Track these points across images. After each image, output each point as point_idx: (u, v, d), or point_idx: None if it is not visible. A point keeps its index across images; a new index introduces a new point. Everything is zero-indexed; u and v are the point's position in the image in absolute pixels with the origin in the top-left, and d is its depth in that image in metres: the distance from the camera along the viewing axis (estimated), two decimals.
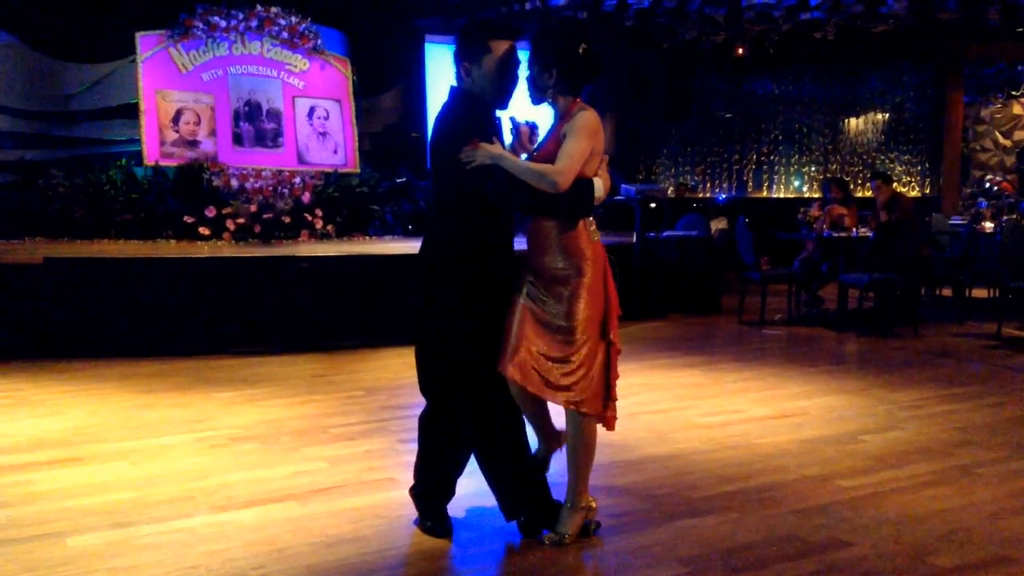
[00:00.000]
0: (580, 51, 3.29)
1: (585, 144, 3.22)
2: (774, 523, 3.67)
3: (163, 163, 9.93)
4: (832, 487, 4.12)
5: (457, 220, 3.35)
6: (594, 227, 3.36)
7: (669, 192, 13.46)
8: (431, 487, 3.54)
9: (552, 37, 3.37)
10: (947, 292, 10.44)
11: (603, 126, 3.34)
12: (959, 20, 12.46)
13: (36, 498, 3.92)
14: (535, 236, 3.33)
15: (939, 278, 10.20)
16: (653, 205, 10.53)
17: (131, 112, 10.17)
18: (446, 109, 3.39)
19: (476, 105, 3.35)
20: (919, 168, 15.15)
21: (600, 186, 3.31)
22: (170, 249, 8.64)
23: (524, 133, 3.49)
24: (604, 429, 3.43)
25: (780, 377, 6.60)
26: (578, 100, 3.34)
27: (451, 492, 3.57)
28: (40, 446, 4.71)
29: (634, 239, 9.85)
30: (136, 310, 7.20)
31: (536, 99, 3.39)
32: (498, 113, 3.42)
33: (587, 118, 3.26)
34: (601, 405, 3.35)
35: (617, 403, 3.44)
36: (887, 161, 15.23)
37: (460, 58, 3.38)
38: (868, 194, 10.91)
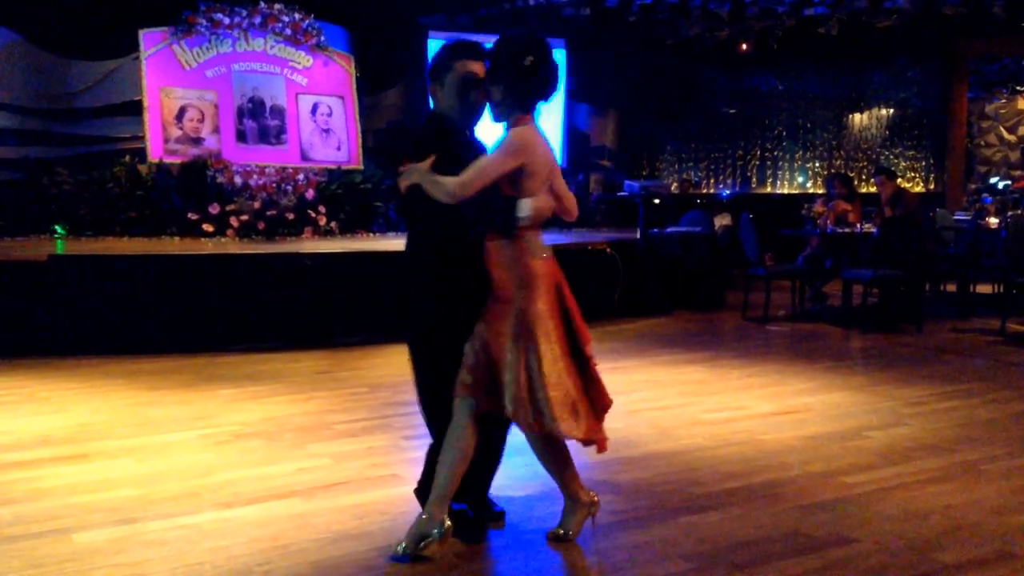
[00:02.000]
0: (526, 64, 3.14)
1: (498, 159, 3.13)
2: (778, 519, 3.67)
3: (167, 160, 9.94)
4: (836, 483, 4.12)
5: (421, 232, 3.38)
6: (537, 245, 3.22)
7: (672, 188, 13.45)
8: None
9: (497, 50, 3.22)
10: (951, 288, 10.42)
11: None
12: (964, 15, 12.44)
13: (42, 495, 3.93)
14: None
15: (943, 274, 10.18)
16: (657, 201, 10.54)
17: (135, 109, 10.17)
18: (416, 130, 3.45)
19: (439, 125, 3.36)
20: (923, 164, 15.12)
21: (528, 206, 3.16)
22: (174, 246, 8.66)
23: None
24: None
25: (784, 373, 6.59)
26: (527, 116, 3.21)
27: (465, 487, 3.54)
28: (45, 443, 4.73)
29: (638, 235, 9.84)
30: (141, 307, 7.21)
31: (493, 116, 3.29)
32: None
33: (513, 135, 3.17)
34: (530, 415, 3.16)
35: (584, 419, 3.27)
36: (891, 157, 15.21)
37: (428, 79, 3.40)
38: (872, 190, 10.89)
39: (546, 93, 3.23)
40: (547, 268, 3.25)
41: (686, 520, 3.66)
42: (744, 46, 14.52)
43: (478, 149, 3.38)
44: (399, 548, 3.20)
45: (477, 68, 3.29)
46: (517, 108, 3.21)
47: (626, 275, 9.11)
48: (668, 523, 3.63)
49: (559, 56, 12.78)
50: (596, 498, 3.48)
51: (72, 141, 10.41)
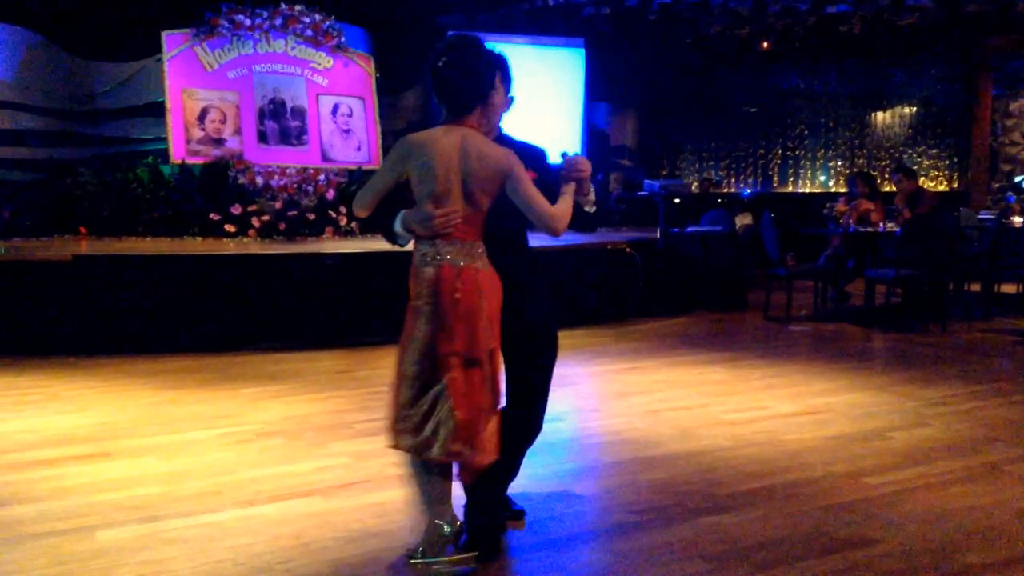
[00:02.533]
0: (439, 66, 3.05)
1: (379, 170, 3.17)
2: (799, 520, 3.65)
3: (189, 161, 10.01)
4: (859, 484, 4.09)
5: None
6: (427, 255, 3.11)
7: (693, 187, 13.41)
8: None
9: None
10: (975, 288, 10.33)
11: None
12: (987, 12, 12.32)
13: (66, 493, 3.97)
14: None
15: (967, 273, 10.09)
16: (677, 200, 10.52)
17: (157, 110, 10.24)
18: None
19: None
20: (947, 162, 14.99)
21: (398, 220, 3.13)
22: (196, 246, 8.71)
23: (569, 164, 3.22)
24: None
25: (806, 374, 6.56)
26: (454, 120, 3.10)
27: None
28: (70, 441, 4.77)
29: (658, 235, 9.82)
30: (163, 307, 7.27)
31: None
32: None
33: (398, 143, 3.12)
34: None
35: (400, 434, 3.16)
36: (914, 155, 15.08)
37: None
38: (895, 188, 10.82)
39: (448, 97, 3.08)
40: (437, 275, 3.07)
41: (707, 520, 3.65)
42: (765, 44, 14.46)
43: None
44: (418, 556, 3.11)
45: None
46: (443, 110, 3.13)
47: (646, 275, 9.09)
48: (689, 523, 3.62)
49: (576, 55, 12.89)
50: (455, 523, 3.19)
51: (95, 142, 10.51)
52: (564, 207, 3.13)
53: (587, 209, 3.32)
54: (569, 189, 3.17)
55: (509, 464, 3.42)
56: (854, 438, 4.85)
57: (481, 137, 3.10)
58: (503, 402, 3.23)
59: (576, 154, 3.25)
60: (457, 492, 3.25)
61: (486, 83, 3.12)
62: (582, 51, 13.03)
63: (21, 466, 4.34)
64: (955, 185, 14.85)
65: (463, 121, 3.09)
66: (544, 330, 3.41)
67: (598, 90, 13.57)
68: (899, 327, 8.49)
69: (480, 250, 3.11)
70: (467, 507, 3.34)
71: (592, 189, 3.33)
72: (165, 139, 10.08)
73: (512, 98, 3.39)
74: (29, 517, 3.67)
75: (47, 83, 10.24)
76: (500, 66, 3.26)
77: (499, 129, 3.40)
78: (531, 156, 3.32)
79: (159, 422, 5.17)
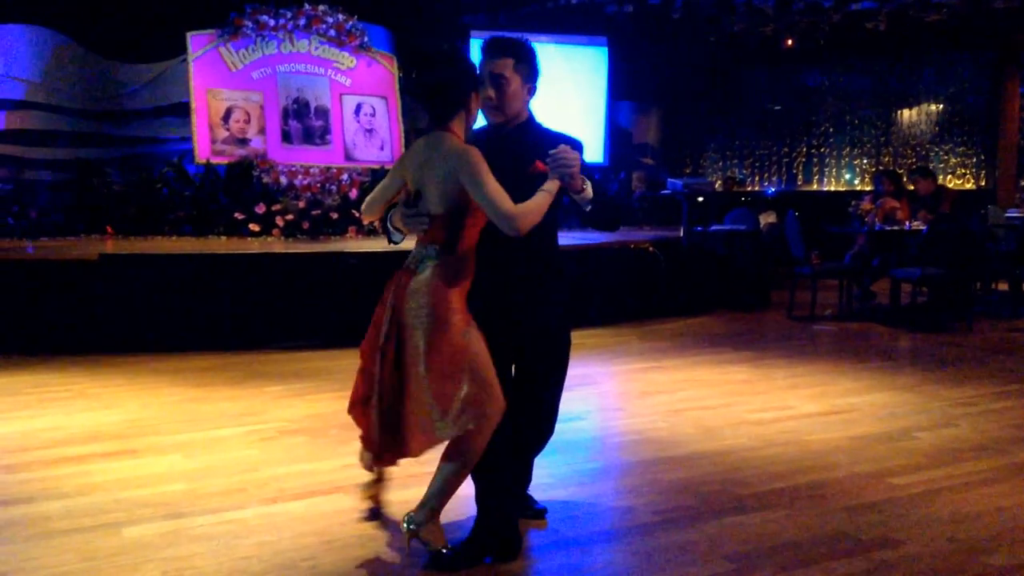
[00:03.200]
0: (408, 83, 3.28)
1: (385, 177, 3.34)
2: (824, 521, 3.63)
3: (214, 161, 10.08)
4: (884, 485, 4.06)
5: None
6: (410, 260, 3.20)
7: (717, 186, 13.34)
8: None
9: None
10: (1003, 286, 10.22)
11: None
12: (1015, 8, 12.18)
13: (92, 489, 4.01)
14: None
15: (994, 272, 9.98)
16: (700, 199, 10.47)
17: (183, 111, 10.33)
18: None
19: (486, 126, 3.43)
20: (974, 160, 14.84)
21: (388, 216, 3.35)
22: (221, 245, 8.77)
23: (552, 158, 3.13)
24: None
25: (831, 373, 6.51)
26: (436, 129, 3.18)
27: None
28: (96, 438, 4.82)
29: (681, 234, 9.79)
30: (188, 305, 7.33)
31: None
32: None
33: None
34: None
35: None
36: (941, 153, 14.94)
37: None
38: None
39: (426, 108, 3.20)
40: (397, 279, 3.21)
41: (730, 520, 3.63)
42: (790, 42, 14.37)
43: (517, 145, 3.29)
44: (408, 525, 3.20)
45: (491, 66, 3.25)
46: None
47: (669, 274, 9.06)
48: (712, 523, 3.60)
49: (599, 53, 12.86)
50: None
51: (121, 142, 10.61)
52: (533, 204, 3.01)
53: (584, 207, 3.21)
54: (551, 186, 3.07)
55: (519, 468, 3.41)
56: (879, 438, 4.81)
57: (449, 138, 3.12)
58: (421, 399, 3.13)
59: (562, 147, 3.10)
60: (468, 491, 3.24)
61: (461, 93, 3.15)
62: (605, 49, 13.01)
63: (48, 463, 4.39)
64: (982, 183, 14.69)
65: (445, 127, 3.15)
66: (552, 337, 3.34)
67: (621, 88, 13.54)
68: (925, 326, 8.41)
69: (431, 253, 3.12)
70: (478, 509, 3.32)
71: (588, 184, 3.17)
72: (190, 139, 10.17)
73: (535, 87, 3.34)
74: (56, 513, 3.71)
75: (74, 84, 10.36)
76: (479, 65, 3.26)
77: (531, 117, 3.35)
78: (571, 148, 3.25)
79: (184, 420, 5.21)
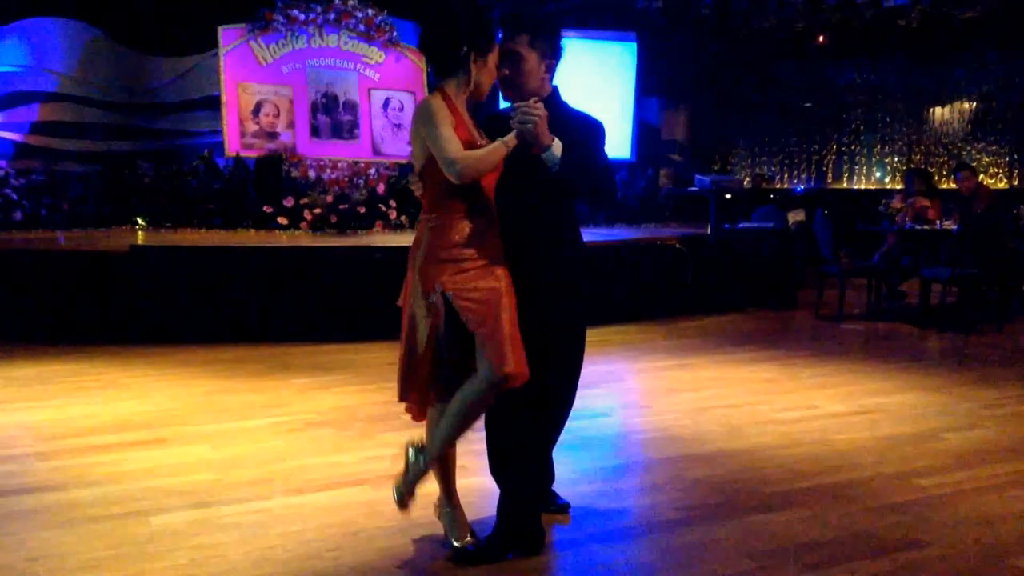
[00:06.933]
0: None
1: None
2: (849, 521, 3.61)
3: (243, 154, 10.15)
4: (910, 485, 4.03)
5: None
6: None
7: (745, 183, 13.26)
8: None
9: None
10: None
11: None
12: None
13: (122, 478, 4.06)
14: None
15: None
16: (728, 196, 10.41)
17: (213, 104, 10.42)
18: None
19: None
20: (1007, 159, 14.65)
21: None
22: (249, 238, 8.84)
23: (515, 107, 3.08)
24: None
25: (858, 373, 6.47)
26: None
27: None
28: (126, 428, 4.88)
29: (708, 231, 9.74)
30: (217, 298, 7.39)
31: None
32: None
33: None
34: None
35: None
36: (973, 152, 14.76)
37: None
38: (953, 186, 10.59)
39: (430, 58, 3.20)
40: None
41: (755, 519, 3.62)
42: (821, 38, 14.24)
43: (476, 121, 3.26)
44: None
45: (506, 43, 3.20)
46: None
47: (696, 271, 9.03)
48: (736, 522, 3.60)
49: (627, 49, 12.81)
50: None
51: (153, 135, 10.72)
52: (482, 152, 2.97)
53: (552, 168, 3.03)
54: (510, 138, 2.98)
55: (537, 461, 3.38)
56: (906, 439, 4.78)
57: (427, 96, 3.15)
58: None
59: (535, 100, 3.01)
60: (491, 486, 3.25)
61: (451, 46, 3.06)
62: (634, 45, 12.94)
63: (79, 451, 4.46)
64: (1015, 183, 14.50)
65: (440, 86, 3.14)
66: (566, 332, 3.30)
67: (649, 84, 13.47)
68: (955, 327, 8.33)
69: (425, 218, 3.20)
70: (501, 505, 3.31)
71: (551, 148, 3.00)
72: (220, 132, 10.25)
73: (556, 64, 3.26)
74: (86, 501, 3.77)
75: (106, 77, 10.48)
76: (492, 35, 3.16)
77: (555, 93, 3.29)
78: (587, 127, 3.23)
79: (213, 410, 5.26)
